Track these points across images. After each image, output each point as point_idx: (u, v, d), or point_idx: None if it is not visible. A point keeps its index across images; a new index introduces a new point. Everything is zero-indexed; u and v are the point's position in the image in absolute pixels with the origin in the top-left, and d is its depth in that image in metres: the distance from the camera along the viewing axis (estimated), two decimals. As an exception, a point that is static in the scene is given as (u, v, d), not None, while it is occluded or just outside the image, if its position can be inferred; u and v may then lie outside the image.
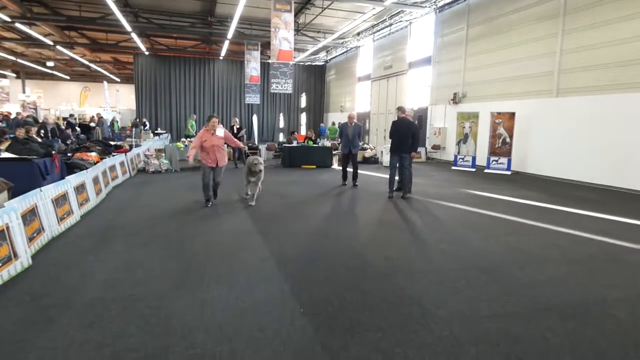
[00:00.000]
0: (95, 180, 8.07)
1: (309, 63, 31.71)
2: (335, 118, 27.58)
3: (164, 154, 13.06)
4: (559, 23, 12.15)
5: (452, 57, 16.90)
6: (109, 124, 23.42)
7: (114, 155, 11.20)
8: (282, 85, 19.56)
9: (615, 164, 10.65)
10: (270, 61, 19.83)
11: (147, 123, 25.32)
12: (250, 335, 3.08)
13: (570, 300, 3.82)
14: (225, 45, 24.68)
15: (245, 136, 15.46)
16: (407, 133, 8.74)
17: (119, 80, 39.76)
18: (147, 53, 26.67)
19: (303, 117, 32.50)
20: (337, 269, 4.53)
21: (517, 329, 3.26)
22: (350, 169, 10.59)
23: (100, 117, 23.05)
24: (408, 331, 3.18)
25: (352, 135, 10.19)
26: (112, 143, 13.98)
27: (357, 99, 26.76)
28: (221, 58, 28.49)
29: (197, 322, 3.27)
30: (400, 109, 9.15)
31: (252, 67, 23.25)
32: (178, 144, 13.88)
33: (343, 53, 28.45)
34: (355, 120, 10.50)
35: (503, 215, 7.30)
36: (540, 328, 3.27)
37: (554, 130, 12.37)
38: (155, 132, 24.20)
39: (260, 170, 7.67)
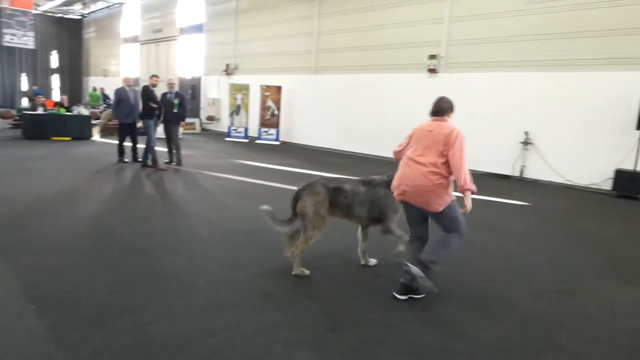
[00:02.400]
0: None
1: (60, 15, 26.71)
2: (97, 83, 24.23)
3: None
4: (316, 6, 13.45)
5: (224, 27, 16.85)
6: None
7: None
8: (20, 38, 16.05)
9: (355, 133, 12.70)
10: (2, 6, 15.98)
11: None
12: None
13: (324, 252, 4.33)
14: None
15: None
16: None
17: None
18: None
19: (55, 80, 27.38)
20: (86, 252, 3.99)
21: (272, 286, 3.51)
22: (128, 143, 9.24)
23: None
24: (163, 306, 3.04)
25: (135, 100, 8.81)
26: None
27: (123, 63, 24.11)
28: None
29: None
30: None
31: (-26, 11, 18.12)
32: None
33: (104, 8, 25.02)
34: (133, 86, 9.17)
35: (268, 183, 7.81)
36: (288, 282, 3.61)
37: (313, 104, 13.86)
38: None
39: None
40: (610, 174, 8.43)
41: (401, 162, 3.44)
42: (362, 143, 12.57)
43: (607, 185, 8.54)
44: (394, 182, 3.42)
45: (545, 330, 3.03)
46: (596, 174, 8.67)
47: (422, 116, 12.59)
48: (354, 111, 12.71)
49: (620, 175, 8.28)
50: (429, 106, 3.48)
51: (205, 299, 3.20)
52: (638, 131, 8.00)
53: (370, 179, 3.88)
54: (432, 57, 10.95)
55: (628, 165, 8.29)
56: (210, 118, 17.44)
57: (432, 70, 10.98)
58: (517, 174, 9.85)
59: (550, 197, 8.14)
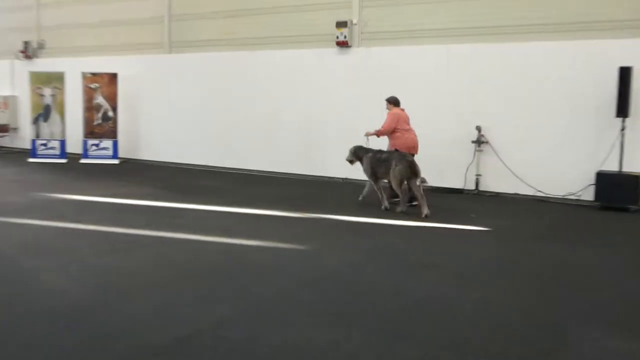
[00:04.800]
0: None
1: None
2: None
3: None
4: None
5: (17, -16, 16.00)
6: None
7: None
8: None
9: (235, 142, 12.78)
10: None
11: None
12: None
13: (180, 329, 4.06)
14: None
15: None
16: None
17: None
18: None
19: None
20: None
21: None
22: None
23: None
24: None
25: None
26: None
27: None
28: None
29: None
30: None
31: None
32: None
33: None
34: None
35: (99, 227, 7.33)
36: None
37: (169, 99, 13.51)
38: None
39: None
40: (591, 178, 9.18)
41: (402, 133, 8.90)
42: (246, 156, 12.55)
43: (589, 195, 9.26)
44: (408, 144, 8.86)
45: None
46: (573, 180, 9.40)
47: (333, 109, 12.81)
48: (233, 109, 12.62)
49: (603, 180, 8.98)
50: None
51: None
52: (619, 119, 8.86)
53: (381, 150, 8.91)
54: (342, 24, 11.29)
55: (611, 166, 9.09)
56: (2, 129, 16.32)
57: (342, 44, 11.31)
58: (471, 186, 10.42)
59: (517, 216, 8.67)
